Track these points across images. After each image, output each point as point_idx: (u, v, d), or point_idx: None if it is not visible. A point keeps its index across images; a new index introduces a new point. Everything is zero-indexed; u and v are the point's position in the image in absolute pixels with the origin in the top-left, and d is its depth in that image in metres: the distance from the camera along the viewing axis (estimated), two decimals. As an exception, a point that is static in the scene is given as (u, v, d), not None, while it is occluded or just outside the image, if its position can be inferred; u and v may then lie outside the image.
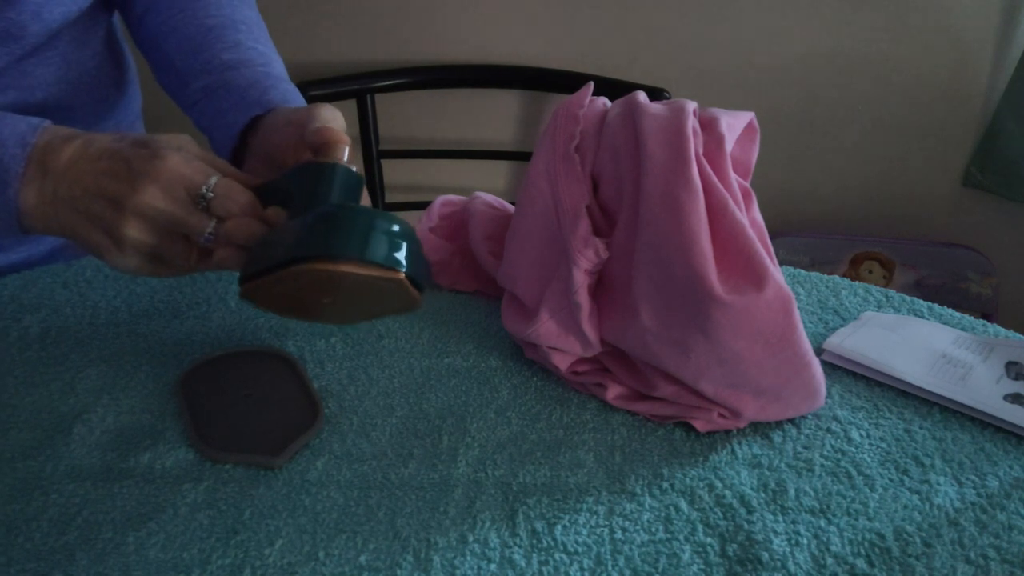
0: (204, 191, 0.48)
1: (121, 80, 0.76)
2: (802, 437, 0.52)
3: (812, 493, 0.47)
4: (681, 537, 0.44)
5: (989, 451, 0.51)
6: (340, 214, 0.44)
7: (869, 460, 0.50)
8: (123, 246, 0.48)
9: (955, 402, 0.54)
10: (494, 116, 1.39)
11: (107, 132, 0.51)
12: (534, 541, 0.44)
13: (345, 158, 0.51)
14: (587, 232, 0.52)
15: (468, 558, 0.42)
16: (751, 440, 0.51)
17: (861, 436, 0.52)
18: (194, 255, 0.50)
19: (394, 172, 1.39)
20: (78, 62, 0.68)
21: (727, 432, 0.52)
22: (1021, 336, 0.62)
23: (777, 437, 0.52)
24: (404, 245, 0.45)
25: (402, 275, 0.44)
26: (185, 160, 0.48)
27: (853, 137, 1.38)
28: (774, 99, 1.35)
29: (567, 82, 1.28)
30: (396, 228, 0.45)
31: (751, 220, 0.50)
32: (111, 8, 0.72)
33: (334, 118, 0.54)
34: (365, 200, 0.55)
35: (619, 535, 0.44)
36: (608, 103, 0.56)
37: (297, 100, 0.63)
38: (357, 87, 1.26)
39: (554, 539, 0.44)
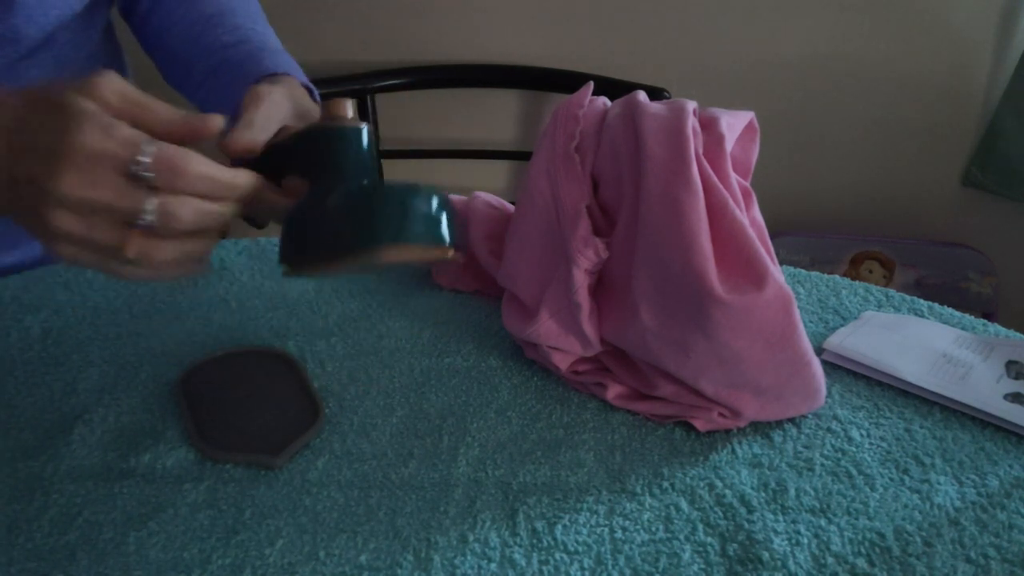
0: (137, 167, 0.39)
1: None
2: (802, 437, 0.52)
3: (812, 492, 0.47)
4: (681, 536, 0.44)
5: (989, 450, 0.51)
6: (398, 196, 0.43)
7: (869, 459, 0.50)
8: (55, 238, 0.41)
9: (955, 401, 0.54)
10: (494, 116, 1.38)
11: (13, 90, 0.43)
12: (534, 541, 0.44)
13: (351, 114, 0.47)
14: (587, 232, 0.52)
15: (468, 558, 0.42)
16: (751, 440, 0.52)
17: (861, 435, 0.52)
18: (135, 242, 0.41)
19: (394, 172, 1.39)
20: (73, 64, 0.68)
21: (727, 432, 0.52)
22: (1021, 335, 0.62)
23: (777, 437, 0.52)
24: (451, 218, 0.45)
25: (453, 250, 0.44)
26: (103, 130, 0.39)
27: (853, 137, 1.38)
28: (774, 99, 1.35)
29: (567, 82, 1.28)
30: (443, 202, 0.45)
31: (751, 220, 0.50)
32: (106, 8, 0.72)
33: (258, 123, 0.49)
34: None
35: (619, 535, 0.44)
36: (608, 103, 0.56)
37: (292, 68, 0.64)
38: (357, 87, 1.26)
39: (554, 538, 0.44)
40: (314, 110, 0.58)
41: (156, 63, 0.71)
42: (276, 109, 0.52)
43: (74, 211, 0.40)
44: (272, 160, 0.48)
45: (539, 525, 0.45)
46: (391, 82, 1.28)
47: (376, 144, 0.48)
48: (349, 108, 0.47)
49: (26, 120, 0.40)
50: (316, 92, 0.64)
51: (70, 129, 0.39)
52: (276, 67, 0.62)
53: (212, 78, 0.65)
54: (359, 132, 0.46)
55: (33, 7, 0.60)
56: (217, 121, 0.44)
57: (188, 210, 0.41)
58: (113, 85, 0.41)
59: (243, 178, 0.44)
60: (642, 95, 0.53)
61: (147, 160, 0.39)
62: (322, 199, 0.44)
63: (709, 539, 0.44)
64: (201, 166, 0.41)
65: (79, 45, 0.69)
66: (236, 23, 0.67)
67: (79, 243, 0.41)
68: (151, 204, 0.40)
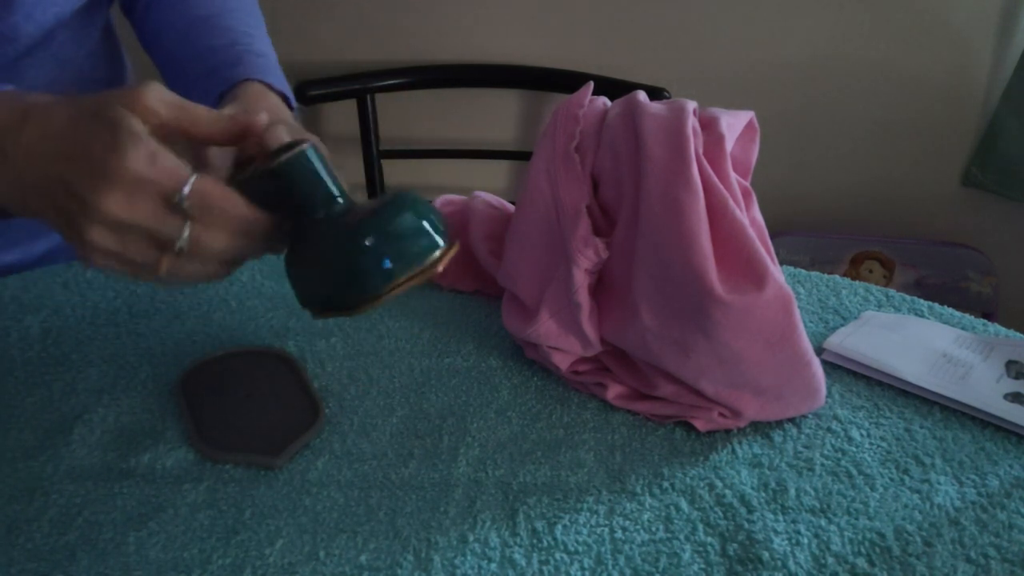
0: (177, 198, 0.41)
1: (116, 80, 0.76)
2: (802, 436, 0.52)
3: (812, 492, 0.47)
4: (681, 536, 0.44)
5: (989, 450, 0.51)
6: (401, 221, 0.43)
7: (869, 459, 0.50)
8: (89, 249, 0.42)
9: (955, 401, 0.54)
10: (494, 116, 1.39)
11: (62, 97, 0.44)
12: (534, 541, 0.44)
13: (287, 136, 0.46)
14: (587, 232, 0.52)
15: (468, 558, 0.42)
16: (751, 439, 0.51)
17: (861, 435, 0.52)
18: (166, 263, 0.43)
19: (394, 172, 1.39)
20: (72, 62, 0.68)
21: (727, 431, 0.52)
22: (1021, 335, 0.62)
23: (777, 436, 0.52)
24: (435, 221, 0.44)
25: (453, 249, 0.44)
26: (150, 157, 0.40)
27: (853, 136, 1.38)
28: (774, 98, 1.35)
29: (567, 82, 1.28)
30: (434, 210, 0.45)
31: (751, 219, 0.50)
32: (106, 7, 0.72)
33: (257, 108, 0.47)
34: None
35: (619, 534, 0.44)
36: (608, 103, 0.56)
37: (270, 73, 0.62)
38: (357, 87, 1.26)
39: (554, 538, 0.44)
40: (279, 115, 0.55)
41: (155, 64, 0.71)
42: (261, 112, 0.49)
43: (111, 229, 0.41)
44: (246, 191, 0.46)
45: (539, 525, 0.45)
46: (391, 82, 1.28)
47: (326, 163, 0.46)
48: (283, 134, 0.45)
49: (77, 130, 0.41)
50: (292, 99, 0.63)
51: (119, 150, 0.40)
52: (251, 73, 0.61)
53: (203, 81, 0.64)
54: (295, 162, 0.43)
55: (32, 4, 0.60)
56: (263, 118, 0.45)
57: (219, 241, 0.43)
58: (160, 95, 0.43)
59: (268, 221, 0.44)
60: (642, 95, 0.53)
61: (187, 191, 0.41)
62: (303, 246, 0.44)
63: (709, 539, 0.44)
64: (236, 207, 0.42)
65: (79, 43, 0.68)
66: (227, 24, 0.67)
67: (112, 257, 0.42)
68: (185, 232, 0.41)
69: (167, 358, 0.57)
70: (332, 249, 0.42)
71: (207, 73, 0.63)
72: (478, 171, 1.42)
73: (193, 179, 0.41)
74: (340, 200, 0.45)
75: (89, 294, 0.63)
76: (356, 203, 0.45)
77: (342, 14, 1.29)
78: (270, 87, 0.62)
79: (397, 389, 0.55)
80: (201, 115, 0.44)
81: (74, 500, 0.45)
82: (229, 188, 0.43)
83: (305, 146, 0.44)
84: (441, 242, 0.44)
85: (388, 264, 0.42)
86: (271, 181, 0.43)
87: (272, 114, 0.53)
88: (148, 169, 0.40)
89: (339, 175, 0.46)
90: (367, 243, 0.41)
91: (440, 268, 0.43)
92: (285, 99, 0.63)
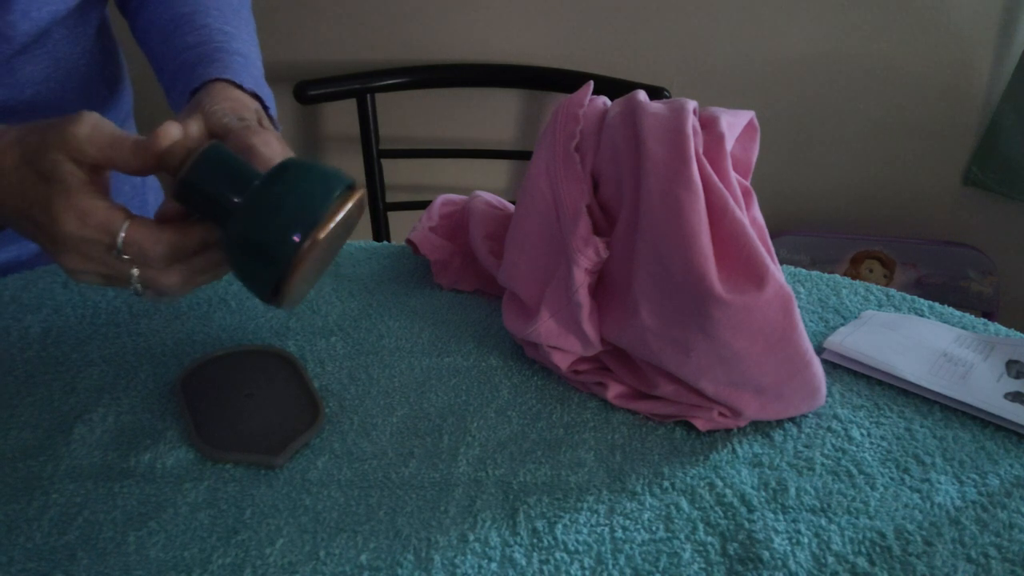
0: (114, 251, 0.43)
1: (112, 79, 0.76)
2: (803, 436, 0.52)
3: (813, 492, 0.47)
4: (682, 536, 0.44)
5: (990, 450, 0.51)
6: (286, 182, 0.43)
7: (870, 459, 0.50)
8: (74, 279, 0.46)
9: (956, 401, 0.54)
10: (494, 116, 1.38)
11: (14, 131, 0.45)
12: (535, 540, 0.44)
13: (179, 133, 0.46)
14: (587, 231, 0.52)
15: (469, 557, 0.42)
16: (752, 439, 0.51)
17: (862, 435, 0.52)
18: (142, 295, 0.46)
19: (394, 172, 1.39)
20: (68, 60, 0.68)
21: (728, 431, 0.52)
22: (1022, 335, 0.62)
23: (778, 436, 0.52)
24: (334, 172, 0.45)
25: (356, 192, 0.45)
26: (79, 218, 0.42)
27: (853, 136, 1.38)
28: (774, 98, 1.35)
29: (567, 81, 1.27)
30: (319, 164, 0.45)
31: (751, 219, 0.50)
32: (101, 6, 0.72)
33: (167, 135, 0.46)
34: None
35: (620, 534, 0.44)
36: (608, 102, 0.56)
37: (240, 71, 0.61)
38: (357, 87, 1.26)
39: (555, 538, 0.44)
40: (234, 115, 0.54)
41: (149, 61, 0.71)
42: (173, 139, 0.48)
43: (82, 273, 0.45)
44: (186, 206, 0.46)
45: (539, 524, 0.45)
46: (391, 82, 1.28)
47: (231, 158, 0.46)
48: (173, 130, 0.45)
49: (23, 183, 0.44)
50: (267, 98, 0.61)
51: (52, 215, 0.43)
52: (220, 72, 0.59)
53: (174, 80, 0.63)
54: (193, 170, 0.44)
55: (28, 1, 0.60)
56: (169, 131, 0.45)
57: (169, 277, 0.45)
58: (88, 134, 0.43)
59: (208, 231, 0.46)
60: (642, 94, 0.53)
61: (121, 243, 0.43)
62: (225, 239, 0.44)
63: (709, 538, 0.44)
64: (164, 242, 0.44)
65: (75, 41, 0.68)
66: (205, 22, 0.66)
67: (97, 284, 0.46)
68: (135, 273, 0.44)
69: (167, 358, 0.57)
70: (237, 234, 0.43)
71: (183, 70, 0.63)
72: (478, 171, 1.42)
73: (125, 227, 0.43)
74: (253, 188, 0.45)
75: (89, 294, 0.63)
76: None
77: (342, 14, 1.29)
78: (240, 87, 0.59)
79: (397, 388, 0.55)
80: (124, 151, 0.44)
81: (74, 499, 0.45)
82: (158, 228, 0.44)
83: (200, 150, 0.44)
84: (336, 191, 0.44)
85: (293, 235, 0.42)
86: (188, 191, 0.44)
87: (230, 115, 0.52)
88: (82, 230, 0.43)
89: (250, 162, 0.46)
90: (258, 213, 0.42)
91: (343, 210, 0.44)
92: (259, 99, 0.60)
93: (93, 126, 0.44)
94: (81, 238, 0.43)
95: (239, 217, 0.43)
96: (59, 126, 0.44)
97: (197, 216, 0.46)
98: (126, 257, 0.43)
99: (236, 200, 0.43)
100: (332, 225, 0.43)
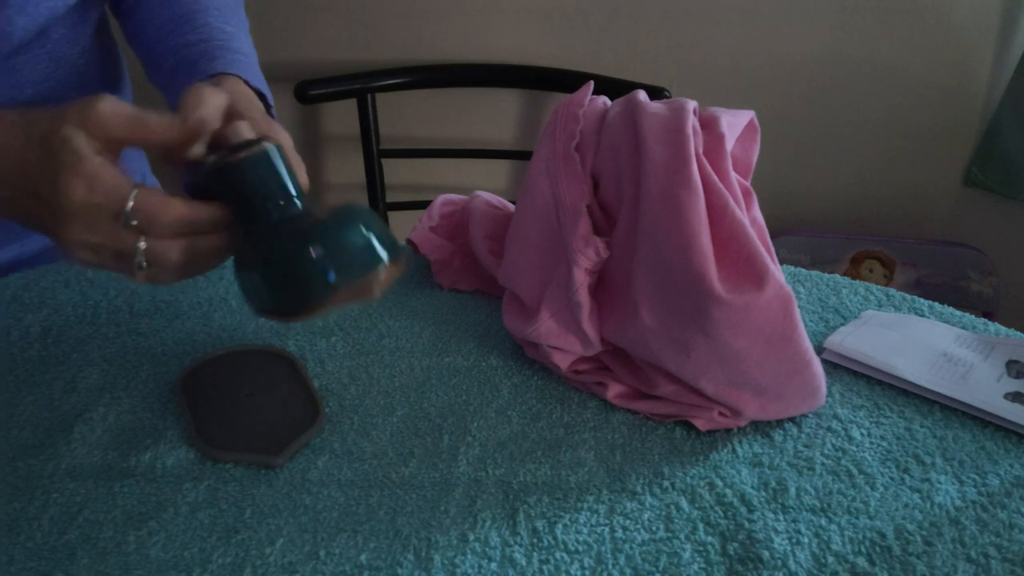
0: (123, 217, 0.42)
1: (111, 78, 0.76)
2: (803, 436, 0.52)
3: (813, 492, 0.47)
4: (682, 536, 0.44)
5: (990, 450, 0.51)
6: (350, 232, 0.43)
7: (870, 459, 0.50)
8: (72, 253, 0.44)
9: (956, 400, 0.54)
10: (494, 115, 1.38)
11: (18, 116, 0.45)
12: (535, 540, 0.44)
13: (250, 132, 0.45)
14: (587, 231, 0.52)
15: (469, 557, 0.42)
16: (752, 439, 0.51)
17: (862, 435, 0.52)
18: (139, 276, 0.45)
19: (395, 172, 1.39)
20: (67, 59, 0.68)
21: (728, 431, 0.52)
22: (1022, 335, 0.62)
23: (778, 436, 0.52)
24: (380, 236, 0.44)
25: (397, 268, 0.45)
26: (87, 184, 0.42)
27: (854, 136, 1.38)
28: (774, 98, 1.35)
29: (567, 81, 1.27)
30: (384, 226, 0.45)
31: (751, 219, 0.50)
32: (100, 3, 0.72)
33: (201, 101, 0.45)
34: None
35: (620, 534, 0.44)
36: (608, 102, 0.56)
37: (246, 70, 0.62)
38: (357, 87, 1.26)
39: (555, 538, 0.44)
40: (252, 111, 0.54)
41: (140, 61, 0.71)
42: (210, 106, 0.48)
43: (84, 248, 0.43)
44: (201, 192, 0.46)
45: (539, 524, 0.45)
46: (391, 82, 1.28)
47: (287, 165, 0.46)
48: (245, 130, 0.45)
49: (27, 161, 0.43)
50: (269, 97, 0.62)
51: (59, 184, 0.42)
52: (225, 68, 0.60)
53: (173, 79, 0.63)
54: (253, 161, 0.44)
55: None
56: (207, 113, 0.45)
57: (176, 251, 0.44)
58: (112, 108, 0.43)
59: (221, 213, 0.45)
60: (642, 94, 0.53)
61: (130, 208, 0.42)
62: (254, 244, 0.44)
63: (709, 538, 0.44)
64: (175, 211, 0.43)
65: (73, 40, 0.68)
66: (205, 21, 0.66)
67: (96, 265, 0.45)
68: (141, 245, 0.43)
69: (167, 357, 0.57)
70: (280, 252, 0.43)
71: (184, 65, 0.63)
72: (478, 171, 1.42)
73: (135, 194, 0.42)
74: (296, 203, 0.45)
75: (90, 293, 0.63)
76: (311, 209, 0.45)
77: (342, 14, 1.29)
78: (246, 83, 0.60)
79: (397, 388, 0.55)
80: (152, 124, 0.44)
81: (74, 499, 0.45)
82: (170, 196, 0.43)
83: (266, 145, 0.44)
84: (386, 259, 0.44)
85: (332, 276, 0.42)
86: (229, 176, 0.44)
87: (247, 108, 0.53)
88: (91, 195, 0.42)
89: (299, 178, 0.46)
90: (315, 250, 0.42)
91: (378, 290, 0.44)
92: (262, 97, 0.61)
93: (115, 102, 0.44)
94: (88, 204, 0.42)
95: (287, 233, 0.43)
96: (79, 105, 0.43)
97: (217, 200, 0.45)
98: (134, 223, 0.42)
99: (281, 205, 0.43)
100: (361, 293, 0.43)
